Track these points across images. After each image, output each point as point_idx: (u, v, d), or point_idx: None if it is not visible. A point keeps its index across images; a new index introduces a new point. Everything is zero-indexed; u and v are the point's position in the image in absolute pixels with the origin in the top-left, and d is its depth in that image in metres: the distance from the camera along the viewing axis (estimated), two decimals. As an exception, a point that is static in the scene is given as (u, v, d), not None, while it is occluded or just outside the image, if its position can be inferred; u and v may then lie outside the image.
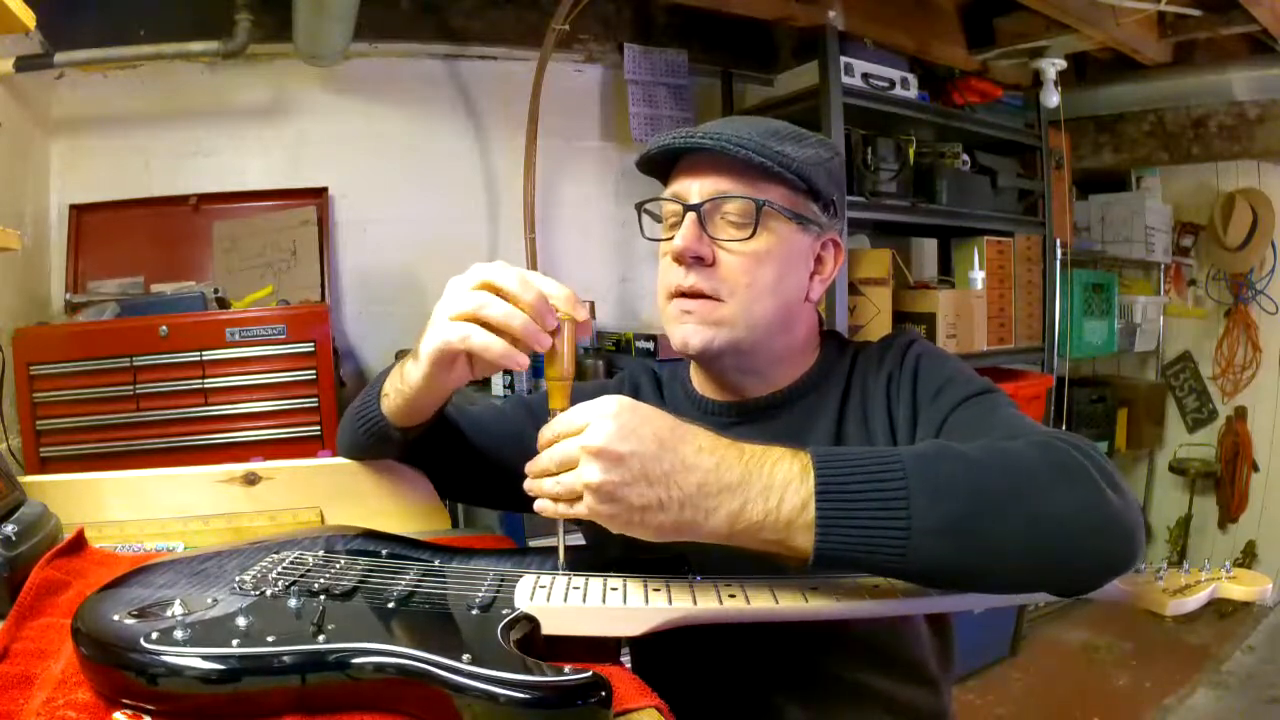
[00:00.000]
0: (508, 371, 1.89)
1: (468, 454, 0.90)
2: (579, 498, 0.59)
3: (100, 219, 2.06)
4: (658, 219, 0.87)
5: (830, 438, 0.81)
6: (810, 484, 0.57)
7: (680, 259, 0.79)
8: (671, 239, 0.80)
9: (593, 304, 2.25)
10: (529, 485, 0.64)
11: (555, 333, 0.67)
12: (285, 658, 0.51)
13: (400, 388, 0.79)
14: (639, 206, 0.86)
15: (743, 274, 0.78)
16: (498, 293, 0.67)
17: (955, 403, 0.76)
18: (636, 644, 0.75)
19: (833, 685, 0.78)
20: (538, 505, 0.63)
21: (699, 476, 0.58)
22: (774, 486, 0.58)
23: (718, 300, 0.79)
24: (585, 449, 0.58)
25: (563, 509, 0.61)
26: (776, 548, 0.59)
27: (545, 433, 0.63)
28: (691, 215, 0.78)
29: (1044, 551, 0.59)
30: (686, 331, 0.80)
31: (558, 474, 0.61)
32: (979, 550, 0.58)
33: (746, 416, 0.86)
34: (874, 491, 0.57)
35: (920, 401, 0.79)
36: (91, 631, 0.54)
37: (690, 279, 0.79)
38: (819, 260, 0.85)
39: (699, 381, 0.92)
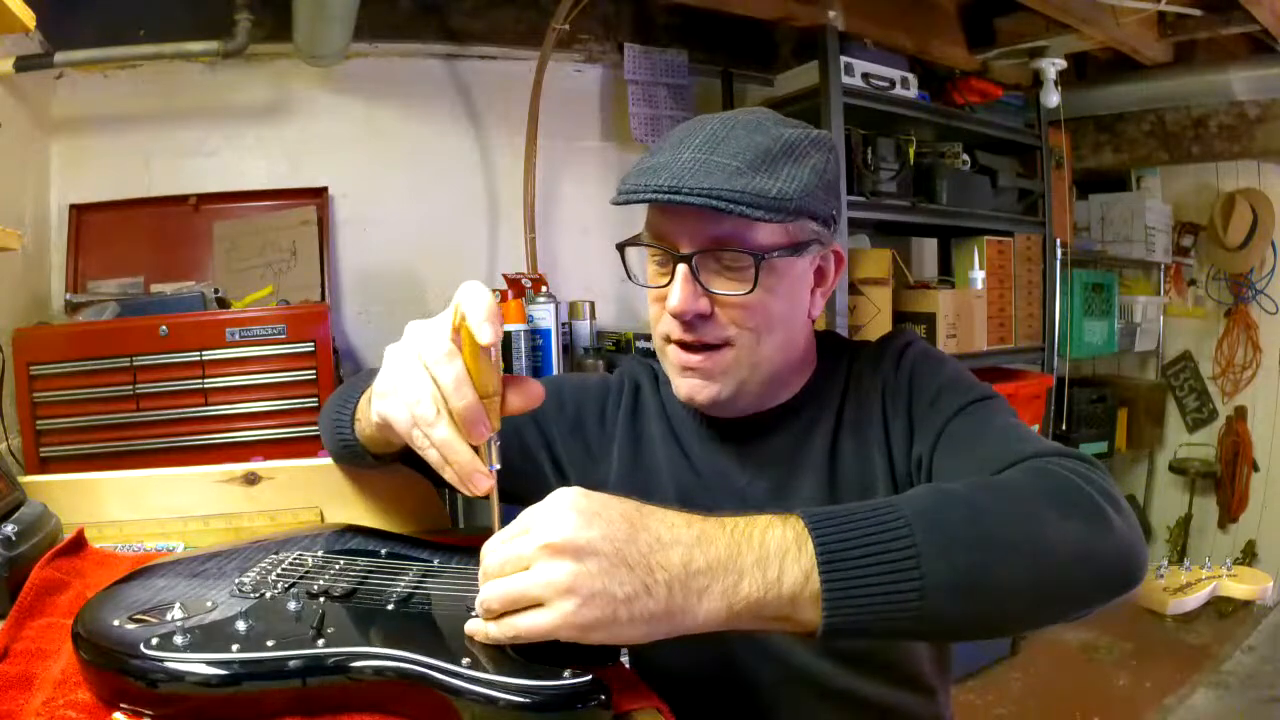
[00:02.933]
0: (504, 360, 1.89)
1: None
2: (534, 606, 0.51)
3: (100, 219, 2.06)
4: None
5: (825, 454, 0.80)
6: (810, 551, 0.52)
7: (677, 317, 0.74)
8: (661, 286, 0.75)
9: (593, 304, 2.25)
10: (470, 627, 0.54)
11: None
12: (285, 662, 0.51)
13: (373, 420, 0.70)
14: (620, 247, 0.79)
15: (744, 321, 0.74)
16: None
17: (952, 412, 0.74)
18: (635, 645, 0.75)
19: (825, 692, 0.78)
20: (469, 627, 0.54)
21: (681, 553, 0.52)
22: (769, 557, 0.52)
23: (719, 348, 0.75)
24: (545, 547, 0.50)
25: (511, 627, 0.51)
26: (782, 625, 0.53)
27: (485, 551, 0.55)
28: (684, 269, 0.72)
29: (1053, 587, 0.57)
30: (692, 386, 0.77)
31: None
32: (990, 599, 0.55)
33: (742, 433, 0.83)
34: (880, 552, 0.52)
35: (916, 411, 0.77)
36: (91, 636, 0.54)
37: (689, 334, 0.75)
38: (819, 272, 0.80)
39: None
